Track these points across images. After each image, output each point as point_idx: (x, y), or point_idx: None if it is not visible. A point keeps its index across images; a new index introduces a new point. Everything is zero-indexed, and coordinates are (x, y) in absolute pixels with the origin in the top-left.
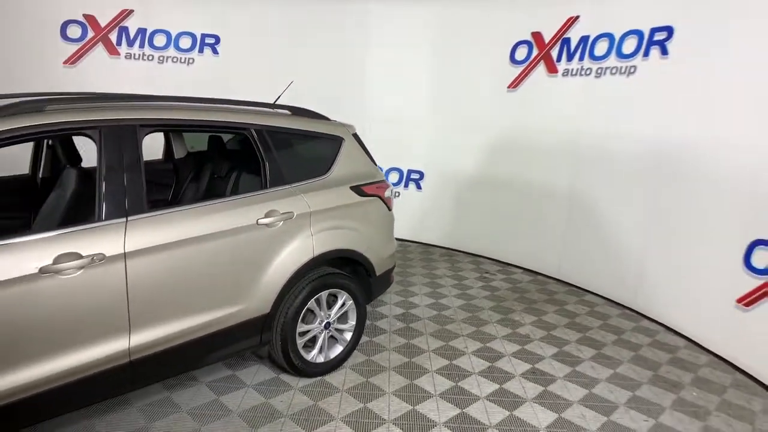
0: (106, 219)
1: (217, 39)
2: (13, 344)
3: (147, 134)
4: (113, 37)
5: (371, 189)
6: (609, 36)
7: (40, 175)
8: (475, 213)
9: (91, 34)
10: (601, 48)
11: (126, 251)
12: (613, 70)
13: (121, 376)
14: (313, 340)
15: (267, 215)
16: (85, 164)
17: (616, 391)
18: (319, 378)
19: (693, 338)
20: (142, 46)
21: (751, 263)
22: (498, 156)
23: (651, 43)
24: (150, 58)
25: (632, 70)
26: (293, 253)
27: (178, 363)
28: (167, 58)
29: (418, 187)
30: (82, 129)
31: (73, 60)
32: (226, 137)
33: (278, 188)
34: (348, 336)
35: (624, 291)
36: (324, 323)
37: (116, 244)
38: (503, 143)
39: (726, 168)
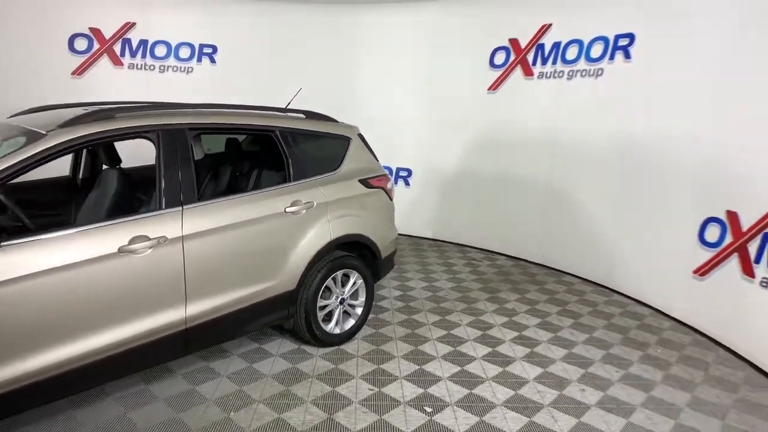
0: (166, 207)
1: (215, 49)
2: (105, 310)
3: (195, 136)
4: (117, 48)
5: (376, 182)
6: (579, 42)
7: (80, 176)
8: (460, 206)
9: (96, 46)
10: (572, 53)
11: (183, 234)
12: (583, 73)
13: (178, 341)
14: (329, 315)
15: (293, 204)
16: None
17: (592, 350)
18: (336, 347)
19: (658, 308)
20: (144, 56)
21: (705, 238)
22: (480, 153)
23: (616, 48)
24: (152, 68)
25: (600, 72)
26: (314, 237)
27: (223, 331)
28: (168, 67)
29: (407, 183)
30: (145, 132)
31: (80, 71)
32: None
33: (300, 182)
34: (359, 311)
35: (598, 270)
36: (339, 299)
37: (175, 228)
38: (485, 141)
39: (682, 157)
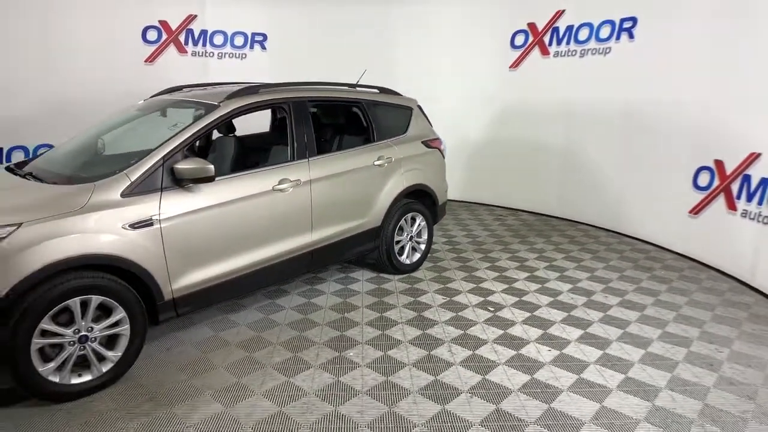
0: (298, 159)
1: (265, 36)
2: (266, 231)
3: (312, 106)
4: (182, 38)
5: (433, 143)
6: (589, 25)
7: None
8: (485, 170)
9: (165, 36)
10: (583, 34)
11: (311, 179)
12: (593, 51)
13: (306, 260)
14: (401, 249)
15: (378, 159)
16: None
17: (610, 274)
18: (407, 275)
19: (660, 244)
20: (204, 44)
21: (698, 183)
22: (503, 122)
23: (621, 29)
24: (211, 54)
25: (608, 50)
26: (392, 186)
27: (334, 254)
28: (224, 54)
29: None
30: (281, 103)
31: (152, 59)
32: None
33: (381, 142)
34: (423, 246)
35: (608, 217)
36: (409, 236)
37: (306, 174)
38: (507, 112)
39: (678, 118)
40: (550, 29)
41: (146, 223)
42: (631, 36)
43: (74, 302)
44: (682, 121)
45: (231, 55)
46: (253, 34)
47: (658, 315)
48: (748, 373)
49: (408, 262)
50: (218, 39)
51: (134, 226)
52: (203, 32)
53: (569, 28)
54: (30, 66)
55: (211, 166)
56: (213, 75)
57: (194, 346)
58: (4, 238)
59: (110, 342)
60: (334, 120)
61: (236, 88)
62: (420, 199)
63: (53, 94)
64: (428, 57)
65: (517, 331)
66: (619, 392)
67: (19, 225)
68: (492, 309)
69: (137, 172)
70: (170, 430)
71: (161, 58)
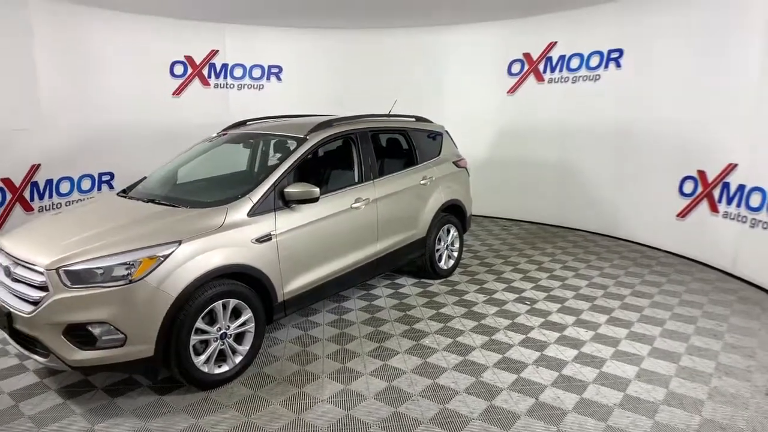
0: (365, 181)
1: (281, 69)
2: (346, 242)
3: (371, 136)
4: (205, 71)
5: (461, 163)
6: (580, 55)
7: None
8: (488, 185)
9: (190, 70)
10: (574, 63)
11: (377, 198)
12: (584, 78)
13: (372, 267)
14: (439, 257)
15: (423, 179)
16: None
17: (616, 271)
18: (444, 279)
19: (652, 245)
20: (225, 77)
21: (683, 191)
22: (503, 142)
23: (609, 59)
24: (231, 86)
25: (597, 77)
26: (434, 201)
27: (392, 261)
28: (243, 85)
29: None
30: (351, 134)
31: (178, 92)
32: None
33: (422, 164)
34: (455, 254)
35: (603, 224)
36: (446, 245)
37: (372, 193)
38: (506, 133)
39: (663, 135)
40: (544, 58)
41: (267, 238)
42: (618, 65)
43: (219, 305)
44: (667, 138)
45: (249, 87)
46: (270, 67)
47: (665, 301)
48: (746, 340)
49: (445, 267)
50: (238, 72)
51: (259, 240)
52: (224, 66)
53: (561, 57)
54: (70, 101)
55: (317, 189)
56: (233, 105)
57: (292, 341)
58: (171, 252)
59: (237, 339)
60: (387, 146)
61: (308, 121)
62: (453, 213)
63: (91, 128)
64: (433, 83)
65: (555, 318)
66: (650, 358)
67: (180, 243)
68: (528, 303)
69: (257, 195)
70: (308, 403)
71: (187, 91)
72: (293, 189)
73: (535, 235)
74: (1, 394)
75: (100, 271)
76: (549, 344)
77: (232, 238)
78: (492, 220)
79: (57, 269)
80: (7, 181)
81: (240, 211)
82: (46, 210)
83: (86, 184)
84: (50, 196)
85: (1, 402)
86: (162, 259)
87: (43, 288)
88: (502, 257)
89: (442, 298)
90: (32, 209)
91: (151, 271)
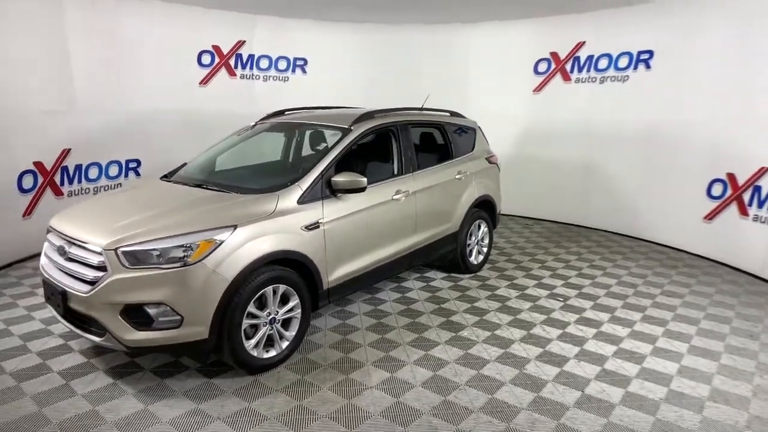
0: (404, 173)
1: (306, 61)
2: (386, 233)
3: (410, 129)
4: (232, 62)
5: (492, 159)
6: (608, 56)
7: (290, 160)
8: (510, 183)
9: (217, 60)
10: (602, 63)
11: (415, 190)
12: (612, 79)
13: (407, 260)
14: (470, 252)
15: (458, 173)
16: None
17: (643, 270)
18: (473, 274)
19: (676, 246)
20: (251, 68)
21: (711, 193)
22: (527, 141)
23: (638, 60)
24: (257, 77)
25: (626, 78)
26: (468, 196)
27: (426, 255)
28: (269, 77)
29: None
30: (391, 126)
31: (205, 81)
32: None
33: (458, 158)
34: (485, 249)
35: (627, 224)
36: (476, 240)
37: (412, 185)
38: (531, 131)
39: (691, 137)
40: (572, 58)
41: (315, 226)
42: (647, 66)
43: (269, 290)
44: (696, 140)
45: (275, 78)
46: (295, 59)
47: (696, 301)
48: None
49: (475, 262)
50: (264, 63)
51: (308, 227)
52: (251, 56)
53: (589, 57)
54: (101, 87)
55: (365, 179)
56: (259, 97)
57: (331, 330)
58: (228, 236)
59: (284, 324)
60: (424, 139)
61: (349, 112)
62: (485, 208)
63: (120, 114)
64: (458, 80)
65: (590, 315)
66: (690, 356)
67: (235, 227)
68: (561, 299)
69: (306, 183)
70: (357, 389)
71: (213, 81)
72: (341, 178)
73: (558, 234)
74: (50, 373)
75: (156, 253)
76: (587, 339)
77: (284, 225)
78: (512, 218)
79: (115, 249)
80: (39, 165)
81: (290, 198)
82: (75, 195)
83: (114, 171)
84: (79, 182)
85: (53, 380)
86: (219, 242)
87: (100, 268)
88: (528, 254)
89: (474, 293)
90: (62, 194)
91: (208, 254)
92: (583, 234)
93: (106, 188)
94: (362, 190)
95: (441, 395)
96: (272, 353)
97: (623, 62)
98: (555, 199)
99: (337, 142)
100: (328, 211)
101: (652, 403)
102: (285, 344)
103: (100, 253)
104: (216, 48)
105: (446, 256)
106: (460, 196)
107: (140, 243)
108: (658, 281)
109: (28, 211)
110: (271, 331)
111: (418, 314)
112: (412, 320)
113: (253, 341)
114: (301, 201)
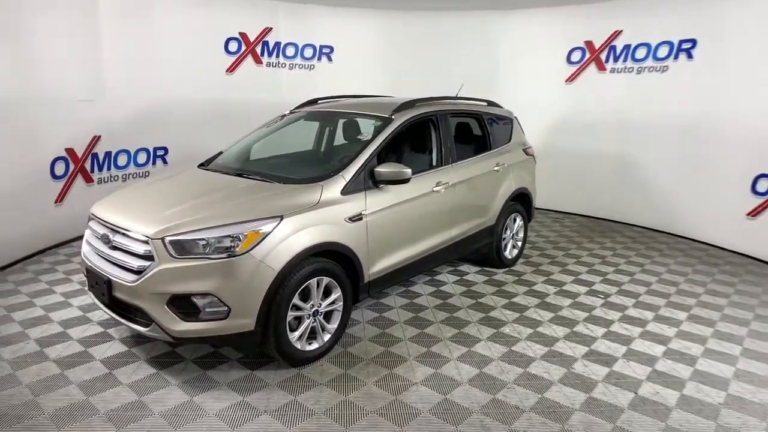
0: (444, 164)
1: (332, 49)
2: (426, 226)
3: (450, 119)
4: (258, 49)
5: (529, 150)
6: (647, 45)
7: (322, 149)
8: (541, 176)
9: (243, 47)
10: (640, 53)
11: (455, 182)
12: (650, 69)
13: (445, 253)
14: (505, 246)
15: (496, 165)
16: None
17: (683, 268)
18: (507, 268)
19: (716, 244)
20: (278, 56)
21: (756, 189)
22: (559, 132)
23: (680, 50)
24: (283, 65)
25: (665, 68)
26: (505, 189)
27: (463, 248)
28: (295, 65)
29: None
30: (432, 115)
31: (232, 69)
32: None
33: (495, 150)
34: (519, 244)
35: (663, 220)
36: (511, 234)
37: (451, 177)
38: (563, 122)
39: (734, 130)
40: (607, 47)
41: (358, 217)
42: (689, 56)
43: (314, 282)
44: (741, 134)
45: (301, 66)
46: (321, 47)
47: (743, 301)
48: None
49: (510, 257)
50: (290, 51)
51: (352, 219)
52: (277, 44)
53: (626, 47)
54: (130, 74)
55: (409, 170)
56: (285, 85)
57: (369, 323)
58: (275, 227)
59: (326, 317)
60: (462, 129)
61: (389, 101)
62: (521, 201)
63: (148, 101)
64: (488, 69)
65: (633, 313)
66: (744, 359)
67: (282, 218)
68: (602, 296)
69: (350, 174)
70: (403, 385)
71: (240, 69)
72: (385, 169)
73: (591, 228)
74: (93, 361)
75: (203, 243)
76: (634, 338)
77: (328, 216)
78: (541, 211)
79: (162, 239)
80: (71, 152)
81: (334, 189)
82: (104, 183)
83: (142, 158)
84: (108, 169)
85: (96, 369)
86: (265, 233)
87: (146, 257)
88: (561, 249)
89: (511, 288)
90: (92, 181)
91: (255, 245)
92: (615, 229)
93: (135, 176)
94: (406, 181)
95: (489, 393)
96: (315, 345)
97: (663, 52)
98: (587, 192)
99: (380, 132)
100: (371, 202)
101: (712, 408)
102: (327, 337)
103: (146, 242)
104: (243, 35)
105: (481, 249)
106: (497, 189)
107: (187, 232)
108: (700, 279)
109: (60, 198)
110: (314, 324)
111: (455, 309)
112: (450, 314)
113: (296, 333)
114: (345, 192)
